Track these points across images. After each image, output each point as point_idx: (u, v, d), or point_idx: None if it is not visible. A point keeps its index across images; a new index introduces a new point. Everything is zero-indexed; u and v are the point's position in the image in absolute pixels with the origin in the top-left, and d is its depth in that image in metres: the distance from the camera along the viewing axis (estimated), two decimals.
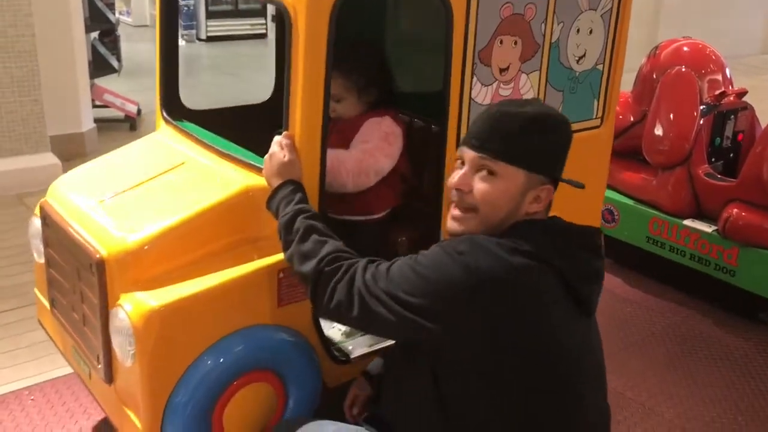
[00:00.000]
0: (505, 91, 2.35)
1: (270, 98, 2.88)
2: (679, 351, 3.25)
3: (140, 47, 9.32)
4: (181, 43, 10.84)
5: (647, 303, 3.66)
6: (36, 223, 2.32)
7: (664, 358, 3.19)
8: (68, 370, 2.90)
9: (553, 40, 2.43)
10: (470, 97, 2.24)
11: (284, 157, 1.89)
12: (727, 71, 4.02)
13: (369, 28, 2.76)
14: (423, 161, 2.45)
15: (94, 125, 5.68)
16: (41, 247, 2.30)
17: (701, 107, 3.71)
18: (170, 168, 2.17)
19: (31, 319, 3.29)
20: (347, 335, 2.32)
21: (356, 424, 1.86)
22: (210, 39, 10.86)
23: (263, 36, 11.33)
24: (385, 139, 2.27)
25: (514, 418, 1.53)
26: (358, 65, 2.32)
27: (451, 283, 1.51)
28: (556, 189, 1.68)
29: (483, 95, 2.29)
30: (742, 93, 3.93)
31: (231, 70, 9.15)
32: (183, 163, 2.19)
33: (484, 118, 1.69)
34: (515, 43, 2.32)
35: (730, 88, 3.93)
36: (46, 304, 2.36)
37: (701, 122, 3.69)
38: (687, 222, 3.67)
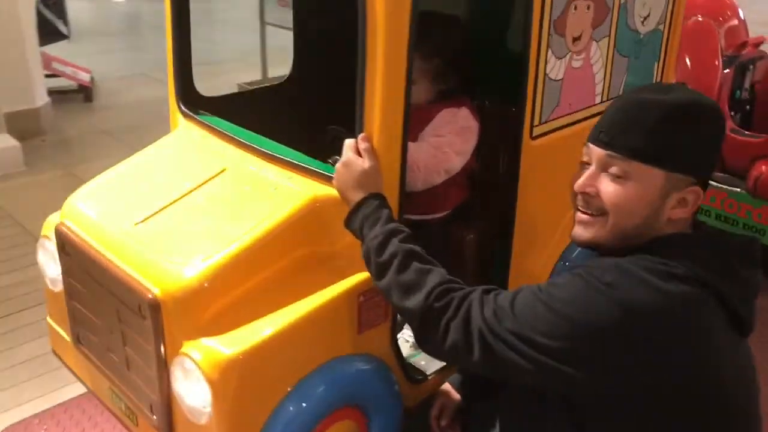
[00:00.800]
0: (577, 62, 2.08)
1: (288, 78, 2.55)
2: None
3: (79, 6, 8.63)
4: None
5: None
6: (48, 246, 1.98)
7: None
8: (78, 390, 2.60)
9: (622, 1, 2.16)
10: (545, 73, 1.97)
11: (363, 164, 1.60)
12: (741, 15, 3.83)
13: None
14: (483, 146, 2.17)
15: (48, 99, 5.19)
16: (57, 275, 1.96)
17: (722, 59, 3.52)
18: (210, 177, 1.84)
19: (24, 329, 2.96)
20: (415, 347, 2.08)
21: None
22: None
23: None
24: (459, 134, 1.98)
25: None
26: (439, 45, 1.99)
27: (602, 324, 1.26)
28: (707, 189, 1.43)
29: (556, 69, 2.02)
30: (760, 42, 3.75)
31: None
32: (224, 170, 1.86)
33: (616, 107, 1.42)
34: (588, 7, 2.04)
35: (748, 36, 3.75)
36: (66, 337, 2.04)
37: (724, 74, 3.50)
38: (712, 181, 3.50)
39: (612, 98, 2.27)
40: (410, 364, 1.98)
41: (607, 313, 1.26)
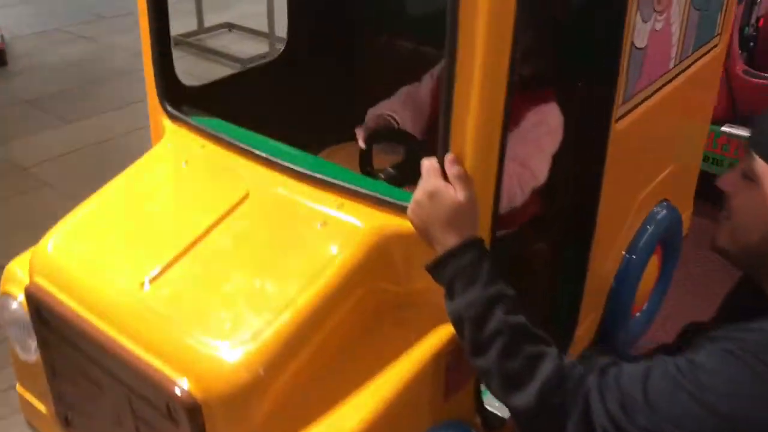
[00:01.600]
0: (659, 24, 1.70)
1: (280, 56, 2.08)
2: None
3: None
4: None
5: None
6: (12, 306, 1.51)
7: None
8: None
9: None
10: (631, 41, 1.59)
11: (457, 197, 1.19)
12: None
13: None
14: None
15: None
16: (29, 343, 1.51)
17: None
18: (230, 208, 1.39)
19: None
20: None
21: None
22: None
23: None
24: (548, 135, 1.60)
25: None
26: (535, 10, 1.52)
27: None
28: None
29: (642, 35, 1.63)
30: None
31: None
32: (246, 197, 1.42)
33: None
34: None
35: None
36: (46, 412, 1.60)
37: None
38: (725, 128, 3.19)
39: (684, 60, 1.91)
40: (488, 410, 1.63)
41: None
